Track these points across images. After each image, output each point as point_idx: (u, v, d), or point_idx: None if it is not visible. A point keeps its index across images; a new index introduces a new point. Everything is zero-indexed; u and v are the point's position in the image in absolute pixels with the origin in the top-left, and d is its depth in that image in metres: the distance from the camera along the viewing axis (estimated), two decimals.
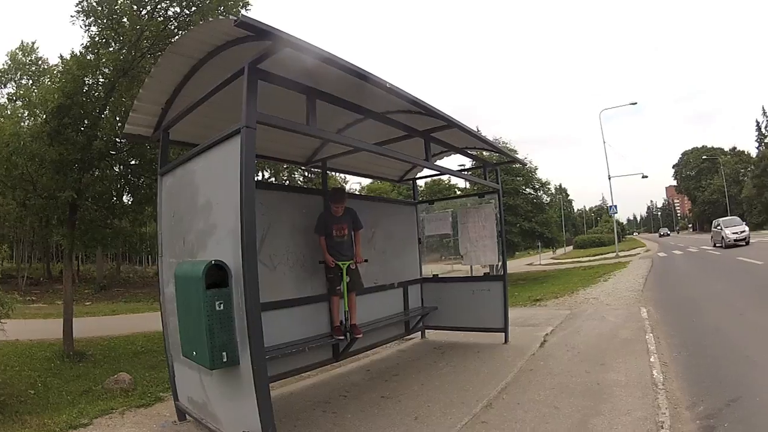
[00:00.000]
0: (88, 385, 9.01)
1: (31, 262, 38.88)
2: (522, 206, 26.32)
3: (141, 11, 10.58)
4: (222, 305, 4.23)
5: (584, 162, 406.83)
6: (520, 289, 20.42)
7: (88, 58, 10.40)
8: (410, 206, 10.28)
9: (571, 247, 68.77)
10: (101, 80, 10.65)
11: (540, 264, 39.88)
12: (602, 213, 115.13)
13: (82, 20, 10.53)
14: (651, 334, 8.84)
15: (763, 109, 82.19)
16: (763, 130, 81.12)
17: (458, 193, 28.72)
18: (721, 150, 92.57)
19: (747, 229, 32.94)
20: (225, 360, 4.22)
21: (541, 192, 29.42)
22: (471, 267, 10.59)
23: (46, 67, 17.01)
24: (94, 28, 10.58)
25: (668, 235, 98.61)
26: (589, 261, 36.02)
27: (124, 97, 10.17)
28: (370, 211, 8.28)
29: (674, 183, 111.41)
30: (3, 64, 21.59)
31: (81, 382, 9.32)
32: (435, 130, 7.49)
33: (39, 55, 21.90)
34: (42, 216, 11.61)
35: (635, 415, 5.11)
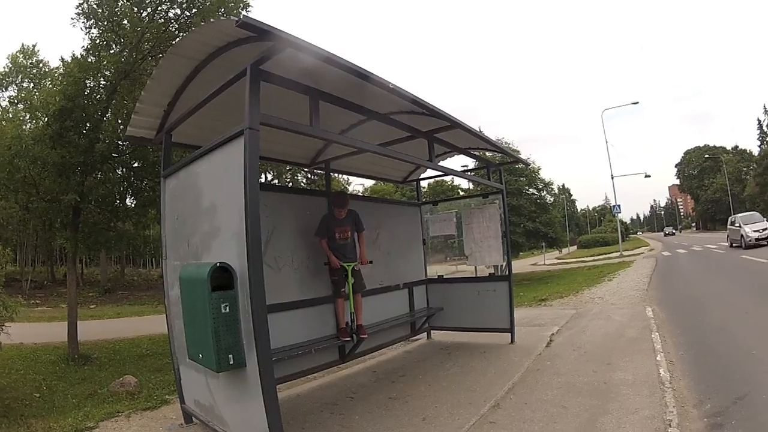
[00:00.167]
0: (94, 388, 8.98)
1: (34, 266, 38.88)
2: (526, 206, 26.27)
3: (141, 13, 10.57)
4: (228, 307, 4.20)
5: (587, 162, 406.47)
6: (525, 289, 20.39)
7: (89, 60, 10.39)
8: (414, 207, 10.26)
9: (575, 247, 68.59)
10: (103, 83, 10.64)
11: (544, 264, 39.82)
12: (605, 212, 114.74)
13: (83, 22, 10.53)
14: (657, 333, 8.82)
15: (765, 107, 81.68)
16: (764, 128, 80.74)
17: (462, 193, 28.69)
18: (723, 149, 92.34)
19: None
20: (231, 362, 4.19)
21: (545, 192, 29.36)
22: (476, 267, 10.56)
23: (47, 70, 17.03)
24: (94, 31, 10.58)
25: (673, 234, 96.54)
26: (593, 260, 35.86)
27: (126, 100, 10.15)
28: (374, 212, 8.29)
29: (677, 182, 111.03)
30: (4, 67, 21.64)
31: (86, 386, 9.29)
32: (438, 130, 7.45)
33: (40, 58, 21.95)
34: (45, 219, 11.61)
35: (643, 413, 5.10)
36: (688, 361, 6.99)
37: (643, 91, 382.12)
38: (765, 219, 29.54)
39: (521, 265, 37.55)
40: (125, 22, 10.37)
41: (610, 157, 63.02)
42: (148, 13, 10.62)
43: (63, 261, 39.74)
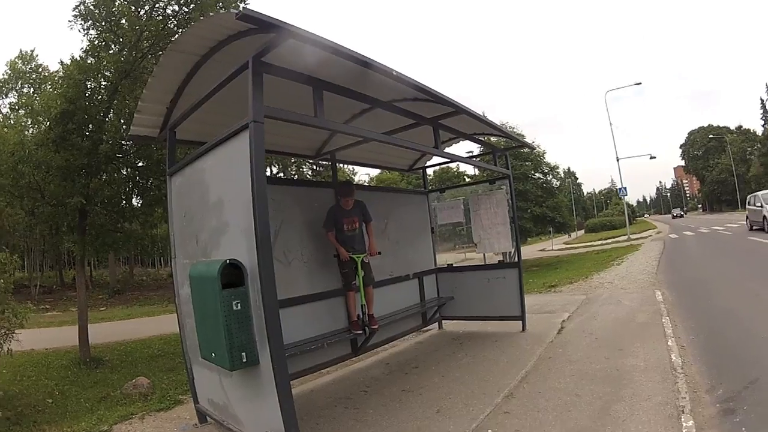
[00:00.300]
0: (107, 391, 8.99)
1: (43, 271, 38.96)
2: (532, 191, 26.22)
3: (139, 11, 10.50)
4: (239, 305, 4.16)
5: (591, 144, 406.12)
6: (534, 275, 20.36)
7: (89, 62, 10.34)
8: (421, 195, 10.21)
9: (582, 231, 68.50)
10: (103, 83, 10.58)
11: (552, 249, 39.81)
12: (612, 195, 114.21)
13: (80, 24, 10.45)
14: (667, 318, 8.80)
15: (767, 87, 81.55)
16: None
17: (467, 180, 28.64)
18: (727, 129, 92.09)
19: None
20: (244, 360, 4.16)
21: (551, 176, 29.27)
22: (484, 255, 10.51)
23: (46, 74, 17.00)
24: (92, 32, 10.50)
25: (682, 215, 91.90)
26: (601, 245, 35.70)
27: (128, 99, 10.10)
28: (381, 202, 8.26)
29: (682, 163, 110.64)
30: (3, 74, 21.63)
31: (99, 389, 9.29)
32: (443, 117, 7.40)
33: (39, 63, 21.93)
34: (52, 224, 11.58)
35: (656, 400, 5.11)
36: (699, 346, 6.97)
37: (645, 71, 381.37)
38: None
39: (529, 250, 37.55)
40: (123, 21, 10.30)
41: (615, 140, 62.55)
42: (146, 11, 10.55)
43: (71, 264, 39.87)
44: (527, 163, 26.66)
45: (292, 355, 5.50)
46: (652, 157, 44.61)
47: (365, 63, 4.59)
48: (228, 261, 4.21)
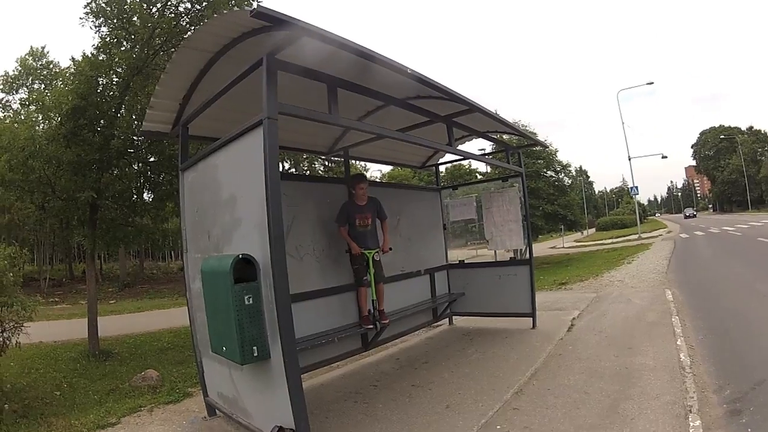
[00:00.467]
0: (115, 383, 8.98)
1: (52, 264, 39.17)
2: (544, 189, 26.07)
3: (151, 9, 10.51)
4: (251, 299, 4.19)
5: (603, 143, 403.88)
6: (545, 272, 20.32)
7: (100, 58, 10.35)
8: (434, 192, 10.24)
9: (593, 230, 68.28)
10: (115, 80, 10.60)
11: (563, 247, 39.69)
12: (623, 194, 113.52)
13: (92, 21, 10.48)
14: (677, 317, 8.82)
15: None
16: None
17: (479, 177, 28.57)
18: (738, 129, 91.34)
19: None
20: (256, 354, 4.19)
21: (563, 174, 29.12)
22: (495, 252, 10.52)
23: (57, 70, 17.08)
24: (104, 29, 10.51)
25: (694, 216, 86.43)
26: (612, 243, 35.65)
27: (140, 95, 10.11)
28: (394, 198, 8.25)
29: (693, 163, 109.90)
30: (14, 71, 21.74)
31: (108, 381, 9.29)
32: (457, 114, 7.42)
33: (50, 60, 22.03)
34: (62, 218, 11.63)
35: (664, 399, 5.14)
36: (708, 346, 7.00)
37: (657, 70, 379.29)
38: None
39: (540, 248, 37.43)
40: (135, 18, 10.32)
41: (627, 139, 62.40)
42: (158, 9, 10.55)
43: (81, 258, 40.01)
44: (539, 161, 26.51)
45: (303, 349, 5.53)
46: (663, 157, 44.40)
47: (380, 60, 4.60)
48: (240, 256, 4.23)
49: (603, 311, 10.18)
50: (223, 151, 5.00)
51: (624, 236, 42.26)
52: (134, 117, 10.31)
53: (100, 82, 10.38)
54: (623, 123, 41.86)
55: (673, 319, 8.66)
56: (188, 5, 10.54)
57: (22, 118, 14.19)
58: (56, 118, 10.36)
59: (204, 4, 10.32)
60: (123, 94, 10.27)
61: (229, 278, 4.14)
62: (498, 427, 4.92)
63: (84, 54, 10.80)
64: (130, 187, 11.38)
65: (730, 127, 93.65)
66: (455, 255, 10.42)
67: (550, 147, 26.88)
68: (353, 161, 10.06)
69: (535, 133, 24.68)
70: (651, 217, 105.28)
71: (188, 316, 5.94)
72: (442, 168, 10.98)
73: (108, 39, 10.46)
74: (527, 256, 9.47)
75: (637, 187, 41.28)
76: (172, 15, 10.49)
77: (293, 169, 19.70)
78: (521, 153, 9.96)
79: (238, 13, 4.74)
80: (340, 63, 4.81)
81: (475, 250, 12.29)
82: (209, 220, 5.25)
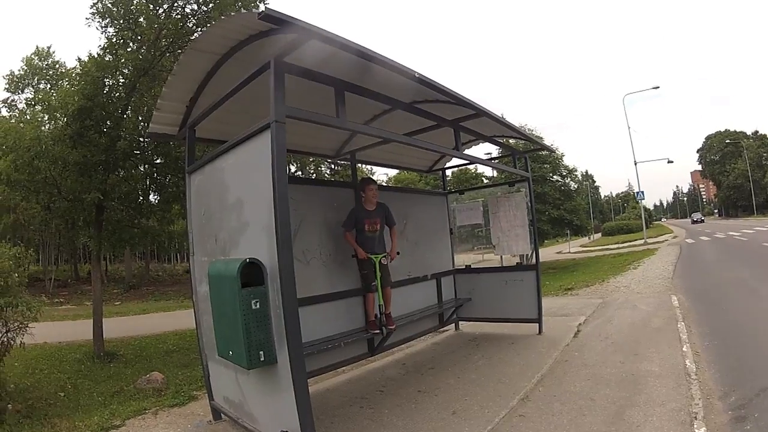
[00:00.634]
0: (120, 385, 9.01)
1: (58, 264, 39.17)
2: (550, 194, 26.10)
3: (158, 10, 10.55)
4: (258, 303, 4.17)
5: (609, 147, 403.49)
6: (551, 277, 20.32)
7: (107, 59, 10.38)
8: (441, 196, 10.20)
9: (599, 234, 68.18)
10: (121, 80, 10.64)
11: (569, 252, 39.64)
12: (629, 199, 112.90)
13: (98, 22, 10.52)
14: (682, 323, 8.80)
15: None
16: None
17: (485, 181, 28.56)
18: (743, 134, 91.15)
19: None
20: (262, 359, 4.17)
21: (569, 179, 29.11)
22: (501, 257, 10.49)
23: (63, 70, 17.07)
24: (110, 29, 10.56)
25: (702, 221, 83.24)
26: (618, 248, 35.66)
27: (146, 97, 10.16)
28: (401, 202, 8.20)
29: (699, 168, 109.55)
30: (20, 70, 21.76)
31: (112, 383, 9.32)
32: (464, 119, 7.39)
33: (56, 60, 22.02)
34: (68, 218, 11.65)
35: (670, 406, 5.13)
36: (714, 352, 6.99)
37: (663, 74, 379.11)
38: None
39: (546, 253, 37.33)
40: (141, 19, 10.36)
41: (633, 144, 62.11)
42: (165, 10, 10.59)
43: (86, 259, 40.06)
44: (546, 166, 26.52)
45: (309, 353, 5.48)
46: (669, 162, 44.28)
47: (388, 64, 4.57)
48: (248, 260, 4.21)
49: (609, 317, 10.14)
50: (230, 155, 4.98)
51: (630, 241, 42.20)
52: (140, 118, 10.35)
53: (107, 83, 10.43)
54: (629, 128, 41.85)
55: (678, 325, 8.64)
56: (195, 7, 10.58)
57: (28, 117, 14.20)
58: (62, 119, 10.39)
59: (211, 5, 10.34)
60: (129, 95, 10.30)
61: (236, 282, 4.12)
62: None
63: (90, 54, 10.84)
64: (137, 188, 11.42)
65: (735, 131, 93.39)
66: (462, 259, 10.39)
67: (557, 151, 26.88)
68: (360, 165, 10.04)
69: (542, 138, 24.63)
70: (657, 222, 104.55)
71: (194, 319, 5.91)
72: (448, 172, 10.93)
73: (114, 40, 10.50)
74: (533, 261, 9.44)
75: (643, 192, 41.10)
76: (179, 16, 10.53)
77: (300, 172, 19.70)
78: (528, 157, 9.94)
79: (245, 15, 4.72)
80: (348, 66, 4.79)
81: (482, 254, 12.24)
82: (216, 224, 5.23)
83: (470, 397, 5.90)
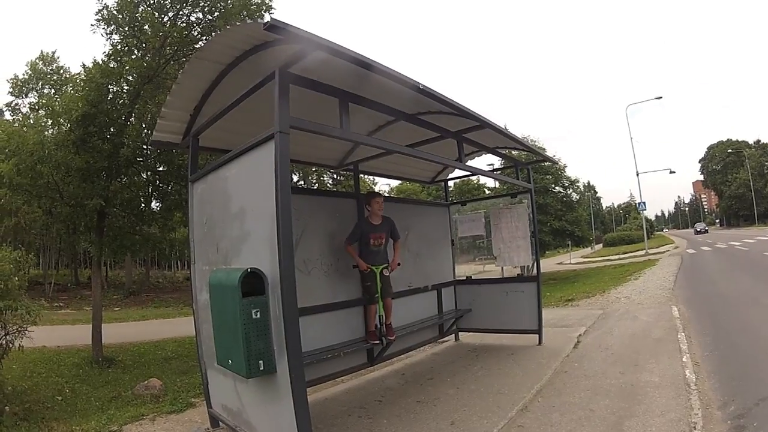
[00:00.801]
0: (118, 391, 9.00)
1: (58, 269, 39.17)
2: (552, 205, 26.16)
3: (163, 18, 10.59)
4: (258, 313, 4.17)
5: (609, 157, 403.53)
6: (552, 288, 20.32)
7: (111, 66, 10.41)
8: (443, 207, 10.21)
9: (600, 245, 68.13)
10: (126, 87, 10.66)
11: (570, 263, 39.64)
12: (630, 210, 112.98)
13: (103, 28, 10.57)
14: (683, 334, 8.81)
15: None
16: None
17: (487, 192, 28.63)
18: (745, 143, 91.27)
19: None
20: (262, 368, 4.18)
21: (571, 190, 29.16)
22: (502, 268, 10.50)
23: (67, 76, 17.11)
24: (115, 36, 10.61)
25: (706, 231, 77.54)
26: (619, 259, 35.69)
27: (150, 104, 10.20)
28: (403, 213, 8.18)
29: (701, 178, 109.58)
30: (24, 74, 21.81)
31: (110, 388, 9.31)
32: (467, 130, 7.41)
33: (60, 65, 22.08)
34: (69, 223, 11.65)
35: (669, 416, 5.13)
36: (714, 362, 7.00)
37: (666, 83, 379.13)
38: None
39: (547, 263, 37.38)
40: (146, 27, 10.40)
41: (635, 154, 61.76)
42: (170, 18, 10.64)
43: (87, 264, 40.06)
44: (548, 177, 26.57)
45: (309, 363, 5.47)
46: (671, 172, 44.40)
47: (393, 76, 4.59)
48: (249, 269, 4.22)
49: (609, 328, 10.14)
50: (233, 164, 4.99)
51: (631, 252, 42.20)
52: (144, 126, 10.37)
53: (111, 90, 10.46)
54: (632, 138, 41.76)
55: (679, 336, 8.64)
56: (200, 15, 10.61)
57: (32, 122, 14.24)
58: (66, 124, 10.40)
59: (216, 14, 10.38)
60: (133, 102, 10.33)
61: (237, 292, 4.13)
62: None
63: (95, 61, 10.86)
64: (139, 195, 11.44)
65: (737, 141, 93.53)
66: (462, 270, 10.38)
67: (559, 162, 26.91)
68: (362, 175, 10.08)
69: (544, 149, 24.71)
70: (658, 233, 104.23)
71: (194, 327, 5.92)
72: (450, 183, 10.95)
73: (119, 47, 10.56)
74: (534, 272, 9.45)
75: (644, 203, 41.17)
76: (184, 25, 10.58)
77: (302, 182, 19.77)
78: (530, 169, 9.95)
79: (251, 26, 4.74)
80: (352, 77, 4.82)
81: (483, 265, 12.26)
82: (218, 233, 5.24)
83: (469, 408, 5.89)
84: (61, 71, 20.80)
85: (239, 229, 4.80)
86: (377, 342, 6.71)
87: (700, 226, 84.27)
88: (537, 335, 8.97)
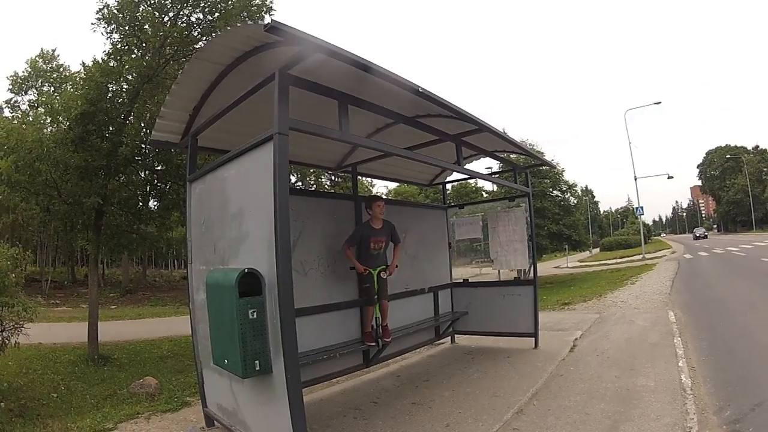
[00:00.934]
0: (113, 389, 8.98)
1: (55, 266, 39.16)
2: (550, 209, 26.12)
3: (163, 18, 10.60)
4: (255, 313, 4.18)
5: (608, 162, 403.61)
6: (549, 292, 20.31)
7: (111, 65, 10.41)
8: (440, 210, 10.23)
9: (597, 249, 68.12)
10: (125, 87, 10.65)
11: (567, 267, 39.64)
12: (628, 214, 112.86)
13: (104, 27, 10.56)
14: (679, 338, 8.83)
15: None
16: None
17: (485, 196, 28.63)
18: (744, 148, 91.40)
19: None
20: (258, 368, 4.18)
21: (568, 194, 29.16)
22: (499, 271, 10.51)
23: (67, 74, 17.12)
24: (116, 35, 10.60)
25: (705, 236, 75.13)
26: (616, 263, 35.68)
27: (149, 104, 10.18)
28: (400, 215, 8.19)
29: (699, 183, 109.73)
30: (23, 72, 21.81)
31: (106, 386, 9.28)
32: (466, 134, 7.43)
33: (60, 63, 22.08)
34: (67, 221, 11.64)
35: (664, 420, 5.14)
36: (710, 367, 7.03)
37: (665, 87, 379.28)
38: None
39: (544, 267, 37.43)
40: (147, 26, 10.40)
41: (633, 159, 61.58)
42: (170, 18, 10.64)
43: (84, 261, 39.99)
44: (546, 181, 26.58)
45: (304, 364, 5.50)
46: (669, 177, 44.22)
47: (392, 79, 4.60)
48: (246, 270, 4.23)
49: (605, 332, 10.16)
50: (232, 165, 5.00)
51: (628, 257, 42.23)
52: (143, 125, 10.35)
53: (110, 89, 10.43)
54: (630, 143, 41.80)
55: (675, 340, 8.66)
56: (200, 15, 10.61)
57: (31, 119, 14.22)
58: (65, 122, 10.37)
59: (216, 15, 10.38)
60: (132, 101, 10.32)
61: (234, 292, 4.13)
62: None
63: (95, 59, 10.85)
64: (137, 194, 11.42)
65: (736, 146, 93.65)
66: (459, 273, 10.40)
67: (558, 166, 26.92)
68: (360, 177, 10.07)
69: (543, 153, 24.71)
70: (656, 238, 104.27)
71: (190, 326, 5.92)
72: (448, 186, 10.97)
73: (119, 46, 10.55)
74: (531, 275, 9.46)
75: (642, 208, 41.13)
76: (184, 25, 10.58)
77: (300, 183, 19.77)
78: (528, 173, 9.97)
79: (251, 27, 4.75)
80: (352, 79, 4.83)
81: (479, 268, 12.27)
82: (216, 233, 5.25)
83: (464, 410, 5.90)
84: (61, 69, 20.83)
85: (237, 230, 4.81)
86: (373, 344, 6.73)
87: (699, 231, 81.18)
88: (533, 338, 8.97)
